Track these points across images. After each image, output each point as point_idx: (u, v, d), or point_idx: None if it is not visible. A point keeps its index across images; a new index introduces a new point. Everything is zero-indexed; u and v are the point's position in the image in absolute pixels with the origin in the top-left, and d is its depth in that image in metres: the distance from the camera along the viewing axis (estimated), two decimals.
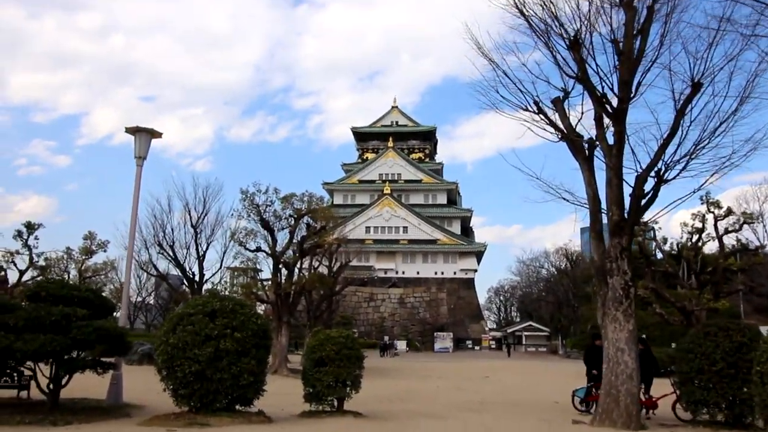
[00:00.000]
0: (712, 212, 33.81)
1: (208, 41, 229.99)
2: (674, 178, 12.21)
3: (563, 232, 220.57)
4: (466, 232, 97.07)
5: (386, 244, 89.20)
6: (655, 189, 12.30)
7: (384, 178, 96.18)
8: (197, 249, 30.79)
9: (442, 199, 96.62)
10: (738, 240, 36.08)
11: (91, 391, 13.64)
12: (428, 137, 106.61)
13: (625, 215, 11.95)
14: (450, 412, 14.07)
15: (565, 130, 13.15)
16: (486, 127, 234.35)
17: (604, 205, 12.68)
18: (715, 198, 33.40)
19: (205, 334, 10.83)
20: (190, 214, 30.74)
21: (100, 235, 61.10)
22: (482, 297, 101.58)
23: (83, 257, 61.21)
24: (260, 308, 49.32)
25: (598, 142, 12.60)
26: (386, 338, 66.79)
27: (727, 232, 33.89)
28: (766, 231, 41.44)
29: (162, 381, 11.14)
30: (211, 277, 33.60)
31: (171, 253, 30.47)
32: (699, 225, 33.78)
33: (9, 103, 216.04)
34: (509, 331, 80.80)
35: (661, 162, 12.34)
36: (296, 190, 29.73)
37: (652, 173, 12.32)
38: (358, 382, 12.55)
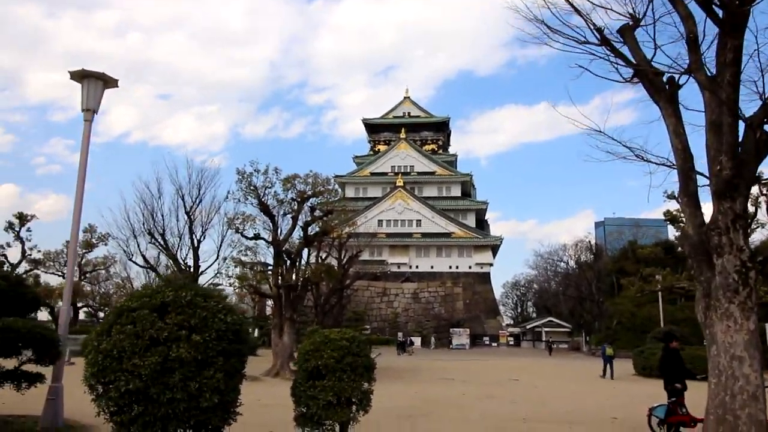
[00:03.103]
0: (765, 195, 30.24)
1: (223, 38, 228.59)
2: None
3: (578, 226, 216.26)
4: (481, 225, 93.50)
5: (399, 237, 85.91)
6: None
7: (396, 171, 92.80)
8: (191, 237, 27.68)
9: (456, 191, 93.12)
10: None
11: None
12: (441, 128, 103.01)
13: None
14: None
15: (638, 65, 9.88)
16: (500, 122, 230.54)
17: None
18: None
19: (150, 337, 7.67)
20: (183, 200, 27.65)
21: (103, 228, 58.52)
22: (497, 292, 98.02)
23: (83, 251, 58.81)
24: (268, 304, 46.49)
25: (692, 74, 9.24)
26: (400, 335, 63.50)
27: None
28: None
29: (94, 401, 8.01)
30: (207, 268, 30.46)
31: (162, 242, 27.42)
32: (751, 208, 30.19)
33: (28, 102, 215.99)
34: (528, 327, 77.31)
35: None
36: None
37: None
38: (368, 399, 9.26)
